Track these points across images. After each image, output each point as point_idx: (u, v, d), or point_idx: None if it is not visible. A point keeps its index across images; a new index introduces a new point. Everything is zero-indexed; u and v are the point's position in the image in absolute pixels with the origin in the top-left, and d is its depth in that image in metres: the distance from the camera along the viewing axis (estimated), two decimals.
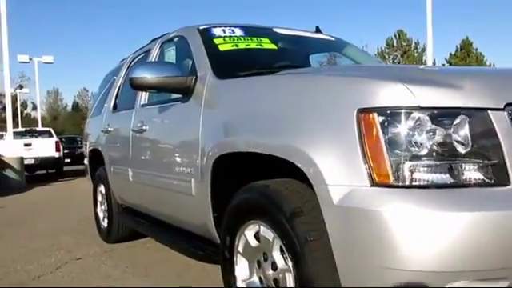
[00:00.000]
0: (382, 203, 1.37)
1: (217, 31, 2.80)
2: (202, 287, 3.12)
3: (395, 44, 31.31)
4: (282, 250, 1.75)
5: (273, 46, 2.78)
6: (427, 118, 1.39)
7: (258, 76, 2.14)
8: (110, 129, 3.94)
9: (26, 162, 11.97)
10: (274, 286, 1.80)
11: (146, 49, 3.70)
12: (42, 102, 48.61)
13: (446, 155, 1.39)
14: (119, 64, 4.65)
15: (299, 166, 1.59)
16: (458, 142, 1.40)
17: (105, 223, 4.34)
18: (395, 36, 31.45)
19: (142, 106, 3.28)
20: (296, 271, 1.63)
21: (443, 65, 27.56)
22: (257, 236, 1.91)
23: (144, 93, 3.29)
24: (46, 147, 13.04)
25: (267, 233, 1.81)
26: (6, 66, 12.16)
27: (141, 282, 3.19)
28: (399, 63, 27.90)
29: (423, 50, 29.56)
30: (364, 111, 1.44)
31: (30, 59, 24.51)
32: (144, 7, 79.74)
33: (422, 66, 1.70)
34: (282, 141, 1.70)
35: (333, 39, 3.38)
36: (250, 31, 2.88)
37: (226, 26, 2.88)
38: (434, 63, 18.57)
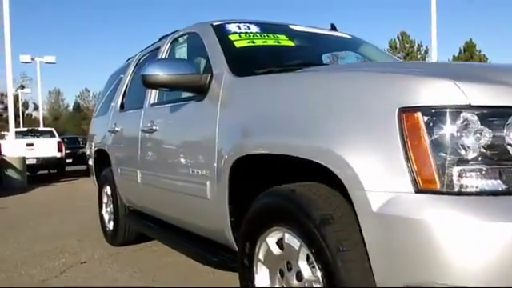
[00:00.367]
0: (428, 211, 1.25)
1: (232, 27, 2.68)
2: (201, 287, 3.04)
3: (398, 46, 31.19)
4: (308, 259, 1.63)
5: (290, 43, 2.66)
6: (477, 118, 1.27)
7: (282, 73, 2.01)
8: (117, 129, 3.82)
9: (28, 162, 11.87)
10: None
11: (155, 47, 3.59)
12: (44, 102, 48.53)
13: (497, 159, 1.27)
14: (125, 63, 4.53)
15: (332, 169, 1.47)
16: (510, 144, 1.27)
17: (110, 226, 4.22)
18: (398, 38, 31.35)
19: (152, 105, 3.15)
20: (326, 283, 1.51)
21: None
22: (280, 243, 1.79)
23: (153, 92, 3.17)
24: (48, 147, 12.94)
25: (292, 241, 1.69)
26: (9, 67, 12.06)
27: (145, 284, 3.09)
28: None
29: (426, 51, 29.48)
30: (406, 110, 1.32)
31: (32, 59, 24.40)
32: (145, 8, 79.63)
33: (468, 62, 1.60)
34: (311, 142, 1.57)
35: (349, 37, 3.27)
36: (266, 28, 2.76)
37: (240, 22, 2.76)
38: None
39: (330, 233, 1.50)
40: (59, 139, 13.99)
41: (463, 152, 1.27)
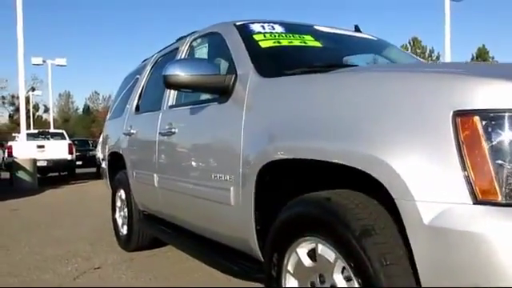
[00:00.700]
0: (488, 224, 1.13)
1: (255, 27, 2.58)
2: (202, 287, 3.01)
3: (409, 51, 31.00)
4: (343, 272, 1.52)
5: (317, 44, 2.56)
6: None
7: (317, 74, 1.90)
8: (132, 131, 3.73)
9: (38, 164, 11.87)
10: None
11: (173, 47, 3.50)
12: (54, 104, 48.76)
13: None
14: (141, 64, 4.45)
15: (376, 177, 1.35)
16: None
17: (124, 230, 4.12)
18: (409, 43, 31.15)
19: (170, 107, 3.06)
20: None
21: None
22: (311, 254, 1.68)
23: (172, 93, 3.08)
24: (59, 149, 12.93)
25: (327, 252, 1.57)
26: (21, 69, 12.08)
27: (142, 282, 3.05)
28: None
29: (438, 57, 29.23)
30: (462, 114, 1.21)
31: (44, 61, 24.56)
32: (156, 11, 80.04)
33: None
34: (353, 147, 1.46)
35: (375, 39, 3.15)
36: (291, 28, 2.66)
37: (264, 22, 2.66)
38: None
39: (371, 245, 1.39)
40: (70, 141, 13.99)
41: None
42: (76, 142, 16.15)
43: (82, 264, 3.72)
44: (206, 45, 2.91)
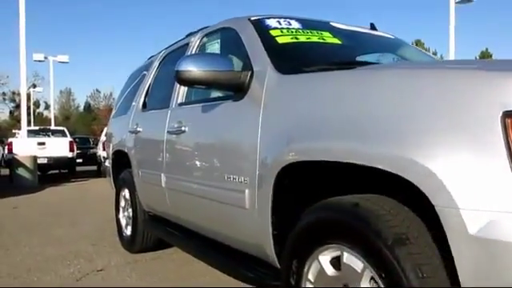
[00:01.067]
0: None
1: (271, 22, 2.48)
2: (202, 287, 2.96)
3: None
4: (370, 282, 1.42)
5: (336, 41, 2.45)
6: None
7: (343, 71, 1.79)
8: (138, 129, 3.62)
9: (39, 161, 11.74)
10: None
11: (183, 43, 3.39)
12: (55, 101, 48.67)
13: None
14: (147, 61, 4.35)
15: (415, 182, 1.25)
16: None
17: (128, 231, 4.01)
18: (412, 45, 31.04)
19: (180, 104, 2.95)
20: None
21: None
22: (335, 263, 1.58)
23: (181, 90, 2.97)
24: (59, 147, 12.81)
25: (353, 261, 1.47)
26: (23, 66, 11.98)
27: (141, 282, 3.00)
28: None
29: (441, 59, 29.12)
30: None
31: (45, 58, 24.40)
32: (160, 7, 79.85)
33: None
34: (386, 149, 1.35)
35: (392, 37, 3.05)
36: (308, 24, 2.55)
37: (279, 18, 2.56)
38: None
39: (405, 255, 1.28)
40: (71, 139, 13.87)
41: None
42: (77, 140, 16.03)
43: (84, 265, 3.61)
44: (218, 40, 2.80)
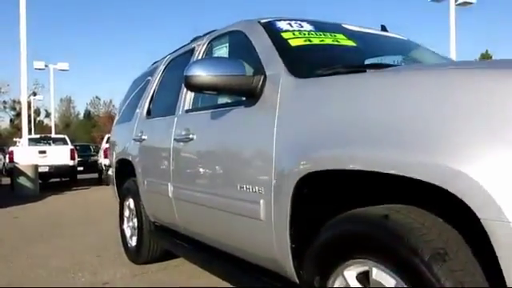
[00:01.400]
0: None
1: (283, 25, 2.38)
2: (202, 287, 2.90)
3: None
4: None
5: (351, 43, 2.35)
6: None
7: (365, 73, 1.69)
8: (143, 137, 3.51)
9: (40, 169, 11.64)
10: None
11: (188, 48, 3.29)
12: (55, 109, 48.54)
13: None
14: (151, 67, 4.25)
15: (458, 194, 1.14)
16: None
17: (133, 242, 3.90)
18: None
19: (187, 111, 2.85)
20: None
21: None
22: (361, 278, 1.47)
23: (188, 96, 2.87)
24: (60, 155, 12.71)
25: (384, 277, 1.36)
26: (24, 74, 11.90)
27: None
28: None
29: None
30: None
31: (46, 66, 24.37)
32: (160, 18, 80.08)
33: None
34: (422, 157, 1.24)
35: (405, 38, 2.95)
36: (320, 26, 2.45)
37: (290, 20, 2.46)
38: None
39: (446, 272, 1.18)
40: (72, 147, 13.77)
41: None
42: (78, 148, 15.91)
43: (89, 279, 3.50)
44: (227, 44, 2.70)
